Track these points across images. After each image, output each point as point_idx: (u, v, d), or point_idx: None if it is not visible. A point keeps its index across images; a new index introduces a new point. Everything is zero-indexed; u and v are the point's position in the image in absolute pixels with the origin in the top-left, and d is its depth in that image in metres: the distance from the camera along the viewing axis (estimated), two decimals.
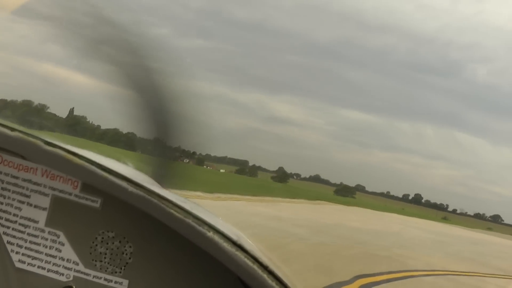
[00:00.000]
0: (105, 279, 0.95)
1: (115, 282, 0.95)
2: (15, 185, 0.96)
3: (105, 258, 0.95)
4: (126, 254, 0.96)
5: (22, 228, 0.96)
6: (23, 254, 0.96)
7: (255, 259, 0.84)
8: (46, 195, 0.95)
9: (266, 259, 0.87)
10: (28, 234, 0.96)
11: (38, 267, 0.96)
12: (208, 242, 0.84)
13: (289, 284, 0.87)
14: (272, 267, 0.86)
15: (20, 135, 0.88)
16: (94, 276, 0.95)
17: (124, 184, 0.85)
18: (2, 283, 0.96)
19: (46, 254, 0.96)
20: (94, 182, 0.89)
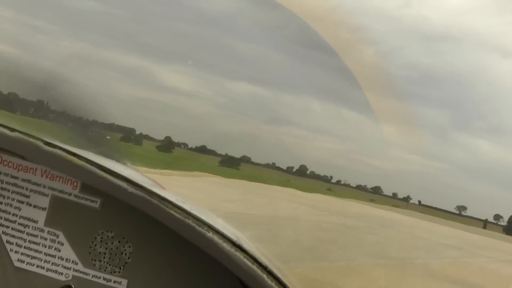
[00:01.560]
0: (104, 279, 0.95)
1: (114, 282, 0.95)
2: (15, 185, 0.95)
3: (104, 257, 0.96)
4: (125, 254, 0.96)
5: (21, 228, 0.96)
6: (22, 254, 0.96)
7: (254, 260, 0.85)
8: (45, 195, 0.95)
9: (265, 260, 0.88)
10: (28, 233, 0.96)
11: (37, 266, 0.96)
12: (207, 243, 0.84)
13: (288, 284, 0.89)
14: (271, 267, 0.87)
15: (20, 135, 0.88)
16: (93, 276, 0.95)
17: (124, 184, 0.85)
18: (1, 282, 0.95)
19: (45, 254, 0.96)
20: (94, 182, 0.89)
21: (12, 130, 0.88)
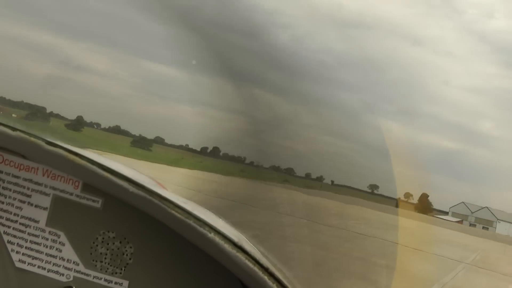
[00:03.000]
0: (105, 280, 0.95)
1: (115, 283, 0.95)
2: (16, 184, 0.95)
3: (105, 258, 0.95)
4: (127, 254, 0.95)
5: (22, 228, 0.95)
6: (23, 254, 0.95)
7: (256, 261, 0.85)
8: (47, 195, 0.95)
9: (266, 261, 0.87)
10: (29, 234, 0.95)
11: (38, 267, 0.95)
12: (209, 243, 0.84)
13: (289, 285, 0.88)
14: (272, 268, 0.87)
15: (22, 135, 0.88)
16: (94, 277, 0.95)
17: (125, 184, 0.85)
18: (2, 283, 0.95)
19: (47, 254, 0.95)
20: (95, 182, 0.89)
21: (14, 129, 0.88)
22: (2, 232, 0.95)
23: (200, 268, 0.95)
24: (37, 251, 0.95)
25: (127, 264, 0.95)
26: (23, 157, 0.93)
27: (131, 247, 0.95)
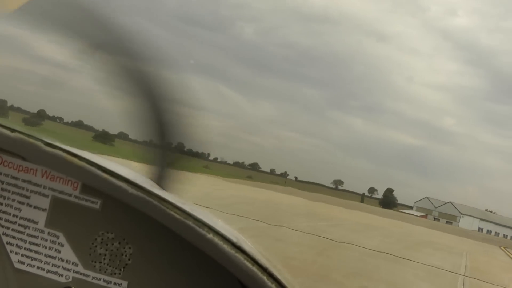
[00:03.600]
0: (104, 280, 0.95)
1: (114, 284, 0.95)
2: (15, 186, 0.95)
3: (104, 259, 0.95)
4: (126, 255, 0.95)
5: (21, 229, 0.95)
6: (22, 255, 0.95)
7: (255, 261, 0.85)
8: (46, 196, 0.95)
9: (265, 261, 0.87)
10: (28, 234, 0.95)
11: (37, 268, 0.95)
12: (208, 244, 0.84)
13: (288, 286, 0.88)
14: (271, 269, 0.87)
15: (20, 136, 0.88)
16: (93, 278, 0.95)
17: (124, 185, 0.85)
18: (1, 284, 0.95)
19: (46, 255, 0.95)
20: (94, 183, 0.89)
21: (13, 130, 0.88)
22: (1, 233, 0.95)
23: (199, 269, 0.95)
24: (36, 252, 0.95)
25: (126, 264, 0.95)
26: (22, 158, 0.93)
27: (130, 248, 0.95)
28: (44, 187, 0.94)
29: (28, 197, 0.95)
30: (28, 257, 0.95)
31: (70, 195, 0.94)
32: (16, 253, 0.95)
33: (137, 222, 0.94)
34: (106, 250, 0.95)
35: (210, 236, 0.84)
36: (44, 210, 0.95)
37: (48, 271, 0.95)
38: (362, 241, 15.98)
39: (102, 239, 0.95)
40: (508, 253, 29.84)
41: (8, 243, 0.95)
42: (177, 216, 0.84)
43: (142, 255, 0.95)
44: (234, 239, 0.85)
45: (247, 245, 0.88)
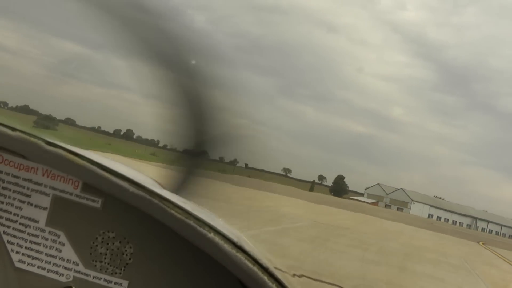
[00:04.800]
0: (105, 280, 0.94)
1: (115, 283, 0.94)
2: (16, 184, 0.94)
3: (105, 258, 0.95)
4: (126, 254, 0.95)
5: (22, 228, 0.95)
6: (23, 254, 0.95)
7: (255, 261, 0.85)
8: (46, 194, 0.94)
9: (266, 261, 0.87)
10: (29, 233, 0.95)
11: (38, 267, 0.95)
12: (209, 243, 0.83)
13: (288, 286, 0.88)
14: (272, 269, 0.86)
15: (21, 135, 0.88)
16: (94, 277, 0.94)
17: (125, 184, 0.85)
18: (2, 283, 0.95)
19: (46, 254, 0.95)
20: (95, 182, 0.89)
21: (14, 129, 0.88)
22: (2, 232, 0.95)
23: (199, 268, 0.95)
24: (37, 251, 0.95)
25: (127, 264, 0.95)
26: (23, 157, 0.93)
27: (130, 247, 0.95)
28: (45, 186, 0.94)
29: (29, 196, 0.94)
30: (28, 256, 0.95)
31: (71, 194, 0.94)
32: (17, 252, 0.95)
33: (138, 221, 0.93)
34: (107, 249, 0.95)
35: (211, 235, 0.83)
36: (45, 209, 0.94)
37: (48, 271, 0.95)
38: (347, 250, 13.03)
39: (103, 238, 0.95)
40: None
41: (9, 242, 0.95)
42: (178, 215, 0.84)
43: (142, 254, 0.95)
44: (235, 239, 0.85)
45: (248, 245, 0.88)
